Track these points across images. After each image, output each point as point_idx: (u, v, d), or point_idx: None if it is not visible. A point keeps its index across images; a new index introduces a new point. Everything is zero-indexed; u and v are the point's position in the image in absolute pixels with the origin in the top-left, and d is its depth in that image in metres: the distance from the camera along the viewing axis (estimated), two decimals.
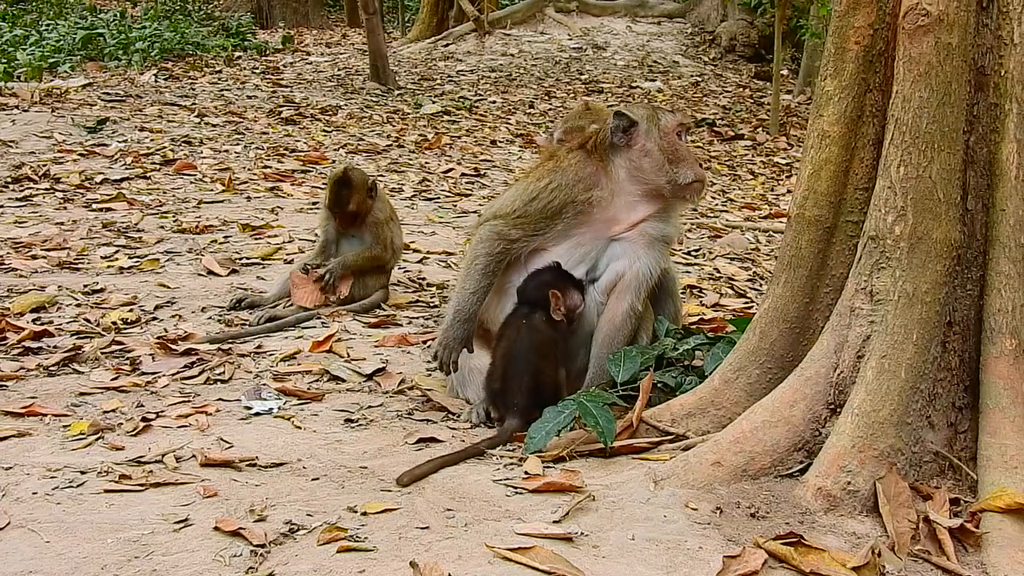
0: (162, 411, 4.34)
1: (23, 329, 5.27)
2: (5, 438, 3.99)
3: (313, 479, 3.70)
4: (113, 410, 4.35)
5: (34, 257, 6.71)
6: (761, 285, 7.17)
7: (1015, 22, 3.49)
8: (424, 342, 5.35)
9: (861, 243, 3.63)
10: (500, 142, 12.69)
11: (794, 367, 3.75)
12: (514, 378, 4.27)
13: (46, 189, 8.61)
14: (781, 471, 3.57)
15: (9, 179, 8.84)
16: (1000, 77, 3.52)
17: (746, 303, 6.63)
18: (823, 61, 3.82)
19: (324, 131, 12.26)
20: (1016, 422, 3.41)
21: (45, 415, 4.25)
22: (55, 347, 5.10)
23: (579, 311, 4.50)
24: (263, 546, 3.16)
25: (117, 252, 6.93)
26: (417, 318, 5.89)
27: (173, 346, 5.14)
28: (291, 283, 5.96)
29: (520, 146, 12.53)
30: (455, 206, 9.19)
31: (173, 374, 4.82)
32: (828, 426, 3.57)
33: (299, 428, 4.22)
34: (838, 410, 3.55)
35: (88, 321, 5.52)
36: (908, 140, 3.47)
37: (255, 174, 9.65)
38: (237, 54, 18.76)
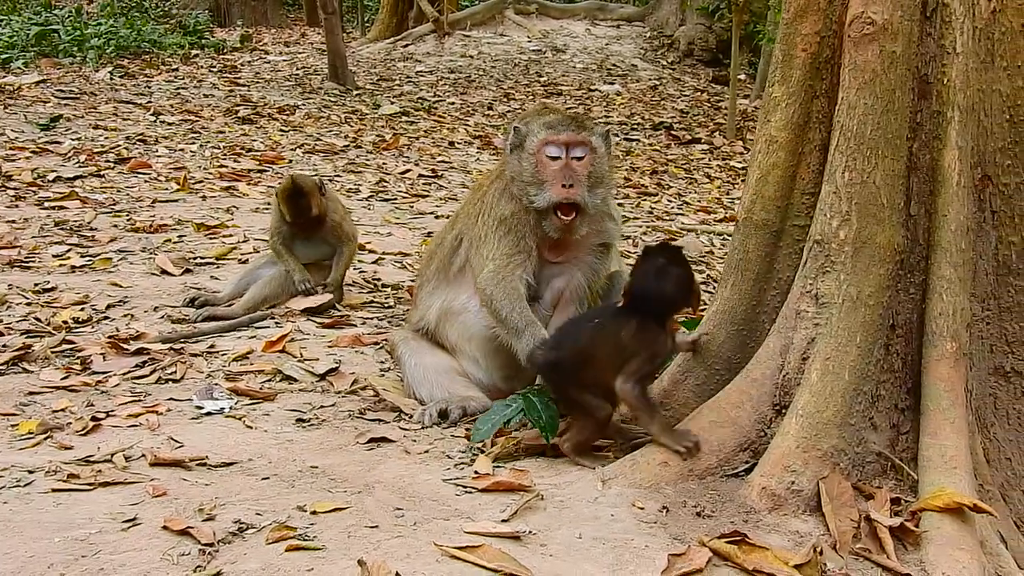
0: (112, 410, 4.32)
1: None
2: None
3: (263, 478, 3.71)
4: (62, 409, 4.33)
5: None
6: (715, 288, 7.21)
7: (957, 32, 3.57)
8: (378, 343, 5.36)
9: (807, 247, 3.68)
10: (458, 143, 12.70)
11: (741, 369, 3.80)
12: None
13: None
14: (727, 471, 3.62)
15: None
16: (943, 85, 3.59)
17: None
18: (771, 68, 3.88)
19: (281, 131, 12.22)
20: (956, 423, 3.48)
21: None
22: (4, 346, 5.06)
23: None
24: (211, 545, 3.16)
25: (69, 251, 6.88)
26: (371, 319, 5.89)
27: (124, 345, 5.12)
28: None
29: (479, 147, 12.55)
30: (412, 207, 9.20)
31: (124, 373, 4.80)
32: (773, 427, 3.62)
33: (250, 428, 4.22)
34: (783, 411, 3.60)
35: (38, 320, 5.48)
36: (853, 146, 3.53)
37: (211, 173, 9.60)
38: (194, 52, 18.62)
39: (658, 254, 3.86)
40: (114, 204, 8.22)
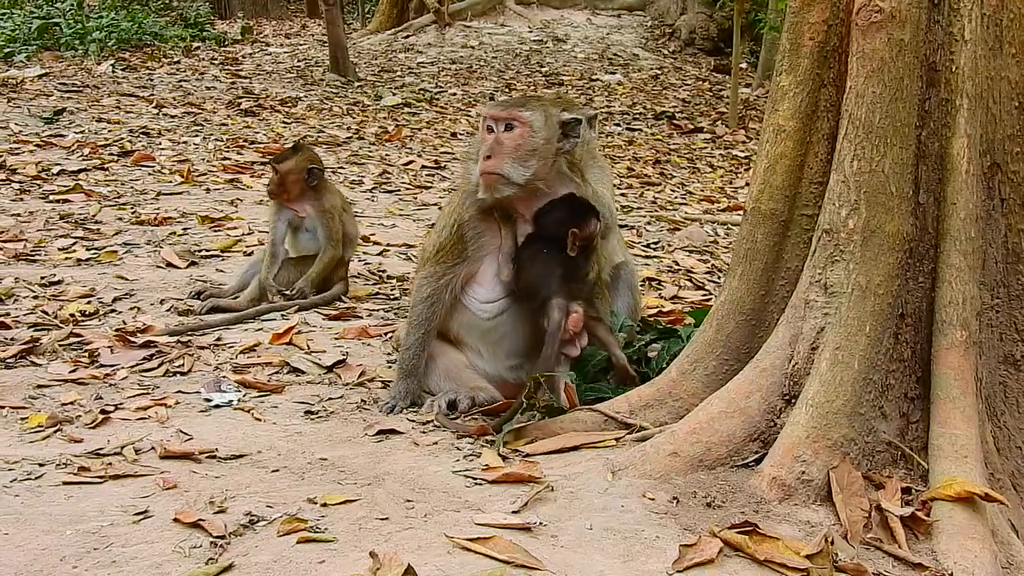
0: (121, 403, 4.33)
1: None
2: None
3: (273, 471, 3.71)
4: (71, 402, 4.33)
5: None
6: (719, 277, 7.23)
7: (965, 19, 3.55)
8: (385, 334, 5.36)
9: (815, 236, 3.68)
10: (460, 134, 12.69)
11: (750, 359, 3.79)
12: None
13: (2, 180, 8.52)
14: (737, 461, 3.62)
15: None
16: (951, 73, 3.58)
17: (704, 295, 6.69)
18: (779, 57, 3.87)
19: (284, 123, 12.21)
20: (966, 412, 3.47)
21: (2, 407, 4.22)
22: (12, 339, 5.06)
23: (596, 236, 4.43)
24: (223, 537, 3.17)
25: (75, 244, 6.88)
26: (377, 310, 5.90)
27: (132, 338, 5.12)
28: None
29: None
30: (415, 198, 9.19)
31: (132, 366, 4.80)
32: (783, 417, 3.62)
33: (259, 420, 4.22)
34: (793, 401, 3.60)
35: (46, 313, 5.48)
36: (861, 135, 3.53)
37: (214, 166, 9.60)
38: (195, 44, 18.59)
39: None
40: (118, 197, 8.22)
